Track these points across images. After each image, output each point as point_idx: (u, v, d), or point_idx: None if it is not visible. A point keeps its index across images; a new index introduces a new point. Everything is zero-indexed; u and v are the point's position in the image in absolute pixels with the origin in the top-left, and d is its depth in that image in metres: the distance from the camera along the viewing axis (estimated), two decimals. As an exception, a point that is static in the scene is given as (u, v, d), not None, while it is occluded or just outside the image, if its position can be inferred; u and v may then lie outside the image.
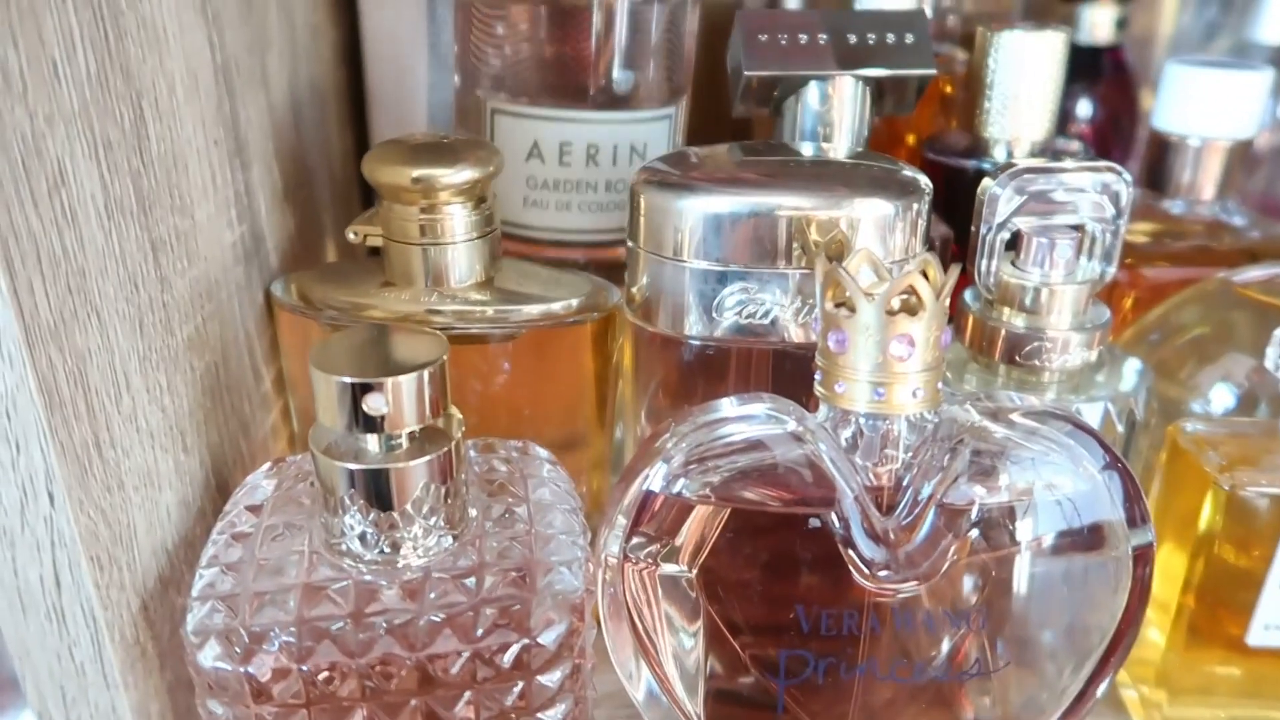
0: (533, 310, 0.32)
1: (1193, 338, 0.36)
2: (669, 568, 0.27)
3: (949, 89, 0.45)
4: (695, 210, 0.29)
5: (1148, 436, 0.34)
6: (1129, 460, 0.33)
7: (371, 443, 0.24)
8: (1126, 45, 0.54)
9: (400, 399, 0.23)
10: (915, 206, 0.29)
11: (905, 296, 0.24)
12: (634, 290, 0.31)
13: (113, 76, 0.23)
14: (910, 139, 0.46)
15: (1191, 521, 0.30)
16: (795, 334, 0.30)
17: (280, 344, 0.34)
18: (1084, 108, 0.54)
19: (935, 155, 0.40)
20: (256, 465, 0.32)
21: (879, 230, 0.29)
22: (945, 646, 0.26)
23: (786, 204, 0.28)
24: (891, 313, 0.24)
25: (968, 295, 0.34)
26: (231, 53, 0.30)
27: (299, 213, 0.36)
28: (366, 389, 0.23)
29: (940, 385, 0.25)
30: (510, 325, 0.32)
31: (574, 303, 0.32)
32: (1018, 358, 0.32)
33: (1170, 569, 0.32)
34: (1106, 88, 0.53)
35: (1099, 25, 0.52)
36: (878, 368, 0.24)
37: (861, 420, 0.25)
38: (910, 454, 0.25)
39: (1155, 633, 0.33)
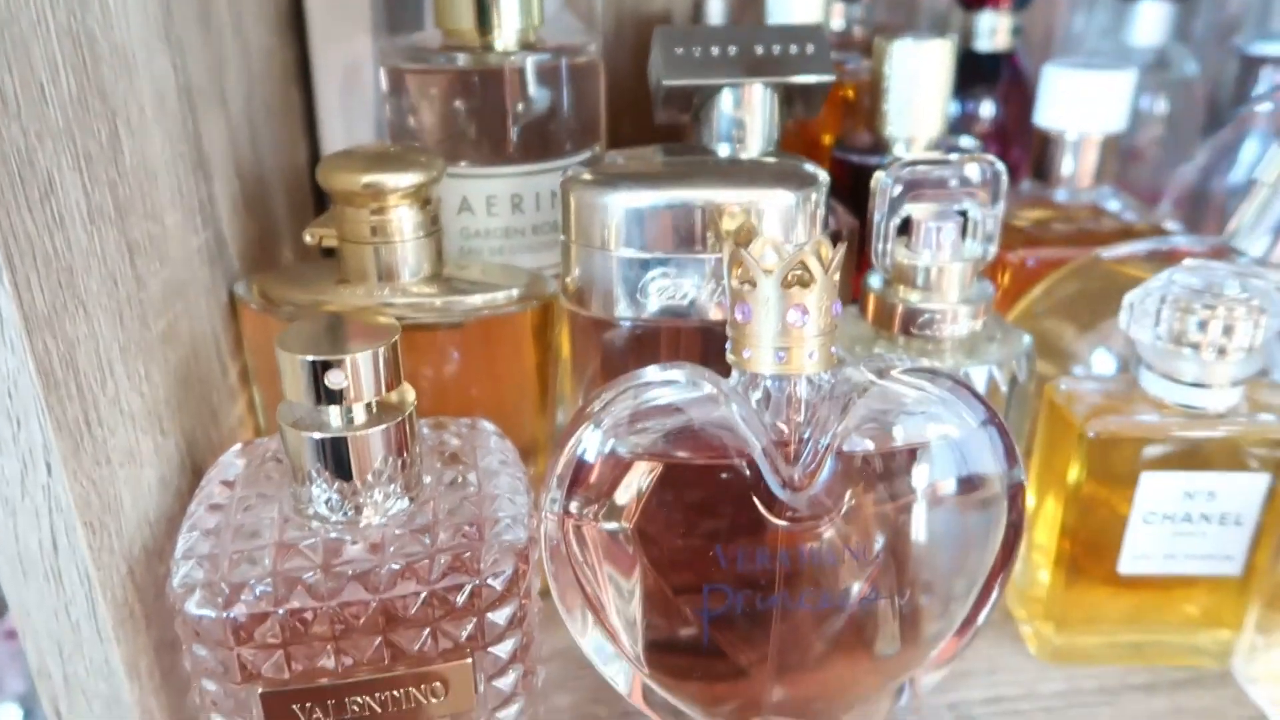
0: (476, 300, 0.35)
1: (1071, 308, 0.41)
2: (608, 524, 0.30)
3: (851, 94, 0.49)
4: (619, 204, 0.32)
5: (1034, 398, 0.38)
6: (1016, 415, 0.37)
7: (334, 415, 0.27)
8: (1024, 49, 0.59)
9: (358, 374, 0.26)
10: (813, 196, 0.33)
11: (799, 271, 0.28)
12: (568, 280, 0.35)
13: (91, 98, 0.26)
14: (827, 139, 0.50)
15: (1063, 458, 0.34)
16: (712, 313, 0.33)
17: (244, 340, 0.37)
18: (986, 108, 0.59)
19: (843, 154, 0.44)
20: (224, 450, 0.35)
21: (782, 218, 0.32)
22: (850, 580, 0.30)
23: (699, 197, 0.32)
24: (788, 285, 0.28)
25: (871, 277, 0.38)
26: (193, 75, 0.33)
27: (258, 220, 0.39)
28: (328, 366, 0.26)
29: (834, 350, 0.29)
30: (456, 314, 0.35)
31: (514, 292, 0.36)
32: (913, 329, 0.36)
33: (1052, 517, 0.36)
34: (1005, 89, 0.58)
35: (995, 32, 0.56)
36: (778, 334, 0.28)
37: (768, 382, 0.29)
38: (810, 410, 0.29)
39: (1044, 574, 0.37)
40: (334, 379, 0.26)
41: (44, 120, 0.24)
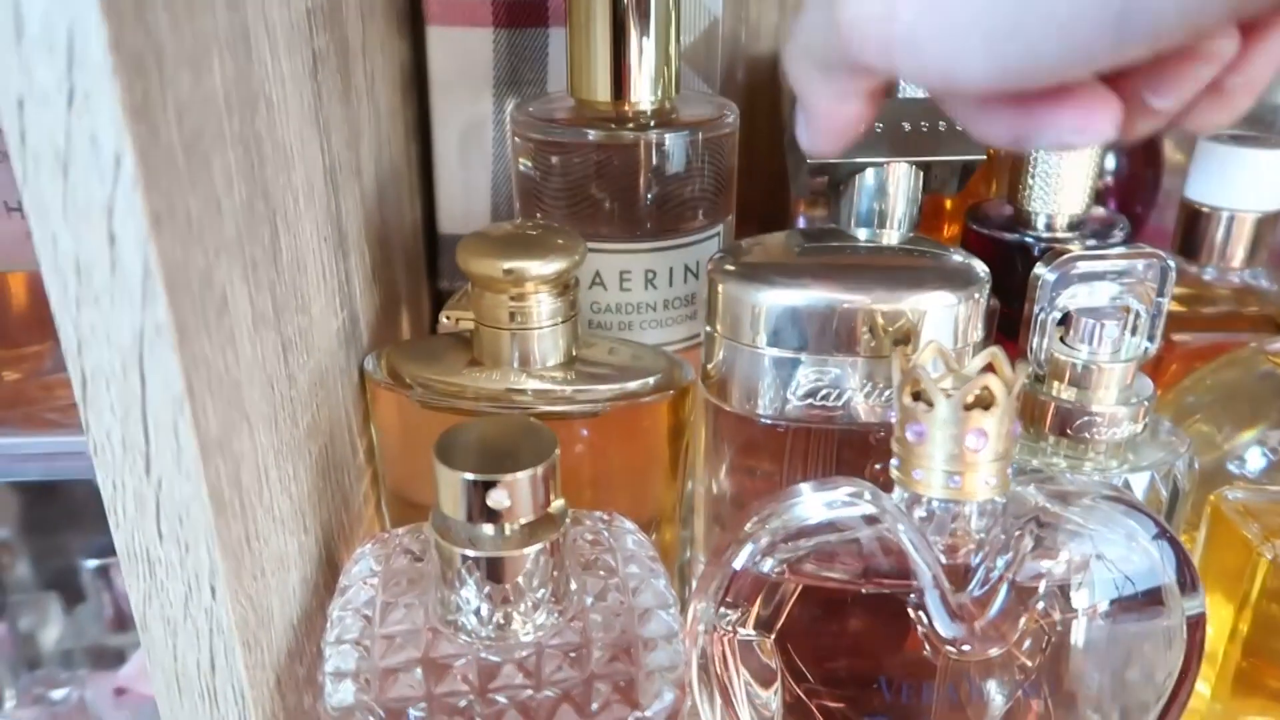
0: (610, 389, 0.34)
1: (1227, 402, 0.38)
2: (747, 633, 0.29)
3: (992, 152, 0.47)
4: (772, 302, 0.31)
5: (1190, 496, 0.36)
6: (1178, 523, 0.35)
7: (488, 529, 0.26)
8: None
9: (518, 494, 0.25)
10: (975, 295, 0.32)
11: (979, 393, 0.26)
12: (710, 368, 0.34)
13: (257, 201, 0.25)
14: (948, 204, 0.49)
15: (1235, 576, 0.32)
16: (864, 414, 0.32)
17: (373, 416, 0.36)
18: (1109, 161, 0.56)
19: (979, 227, 0.43)
20: (355, 534, 0.34)
21: (943, 318, 0.31)
22: (1018, 715, 0.28)
23: (857, 298, 0.30)
24: (967, 408, 0.26)
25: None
26: (336, 153, 0.33)
27: (383, 290, 0.39)
28: (489, 485, 0.25)
29: (1009, 470, 0.27)
30: (590, 404, 0.34)
31: (650, 381, 0.35)
32: (1069, 431, 0.34)
33: (1215, 619, 0.34)
34: (1131, 145, 0.55)
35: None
36: (953, 458, 0.26)
37: (935, 503, 0.27)
38: (981, 534, 0.27)
39: (1200, 683, 0.34)
40: (496, 499, 0.25)
41: (220, 235, 0.23)
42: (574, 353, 0.35)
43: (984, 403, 0.26)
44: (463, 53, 0.43)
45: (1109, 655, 0.29)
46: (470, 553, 0.26)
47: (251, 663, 0.25)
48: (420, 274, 0.46)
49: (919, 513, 0.28)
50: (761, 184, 0.52)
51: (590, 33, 0.36)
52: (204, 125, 0.22)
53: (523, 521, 0.26)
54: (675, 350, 0.39)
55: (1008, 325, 0.42)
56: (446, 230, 0.46)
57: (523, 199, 0.39)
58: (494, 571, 0.26)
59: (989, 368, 0.27)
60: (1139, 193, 0.57)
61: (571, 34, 0.37)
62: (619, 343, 0.38)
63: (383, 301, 0.39)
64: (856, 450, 0.34)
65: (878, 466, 0.33)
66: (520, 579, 0.26)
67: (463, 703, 0.25)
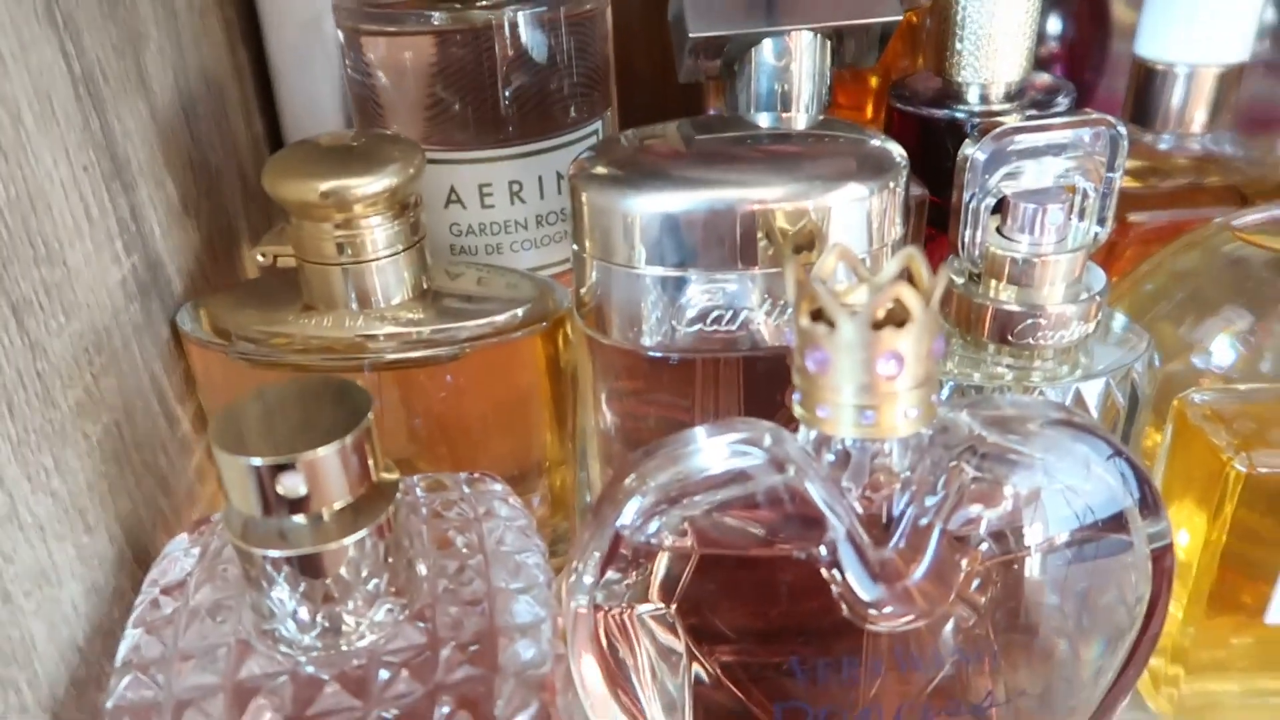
0: (475, 325, 0.29)
1: (1190, 288, 0.34)
2: (646, 608, 0.24)
3: (914, 19, 0.41)
4: (647, 210, 0.25)
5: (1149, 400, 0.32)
6: (1138, 435, 0.31)
7: (294, 521, 0.21)
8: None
9: (319, 475, 0.20)
10: (891, 184, 0.26)
11: (889, 306, 0.21)
12: (583, 293, 0.28)
13: (-70, 121, 0.19)
14: (874, 81, 0.43)
15: (1205, 488, 0.28)
16: (768, 337, 0.27)
17: (196, 378, 0.30)
18: (1053, 24, 0.51)
19: (903, 104, 0.37)
20: (183, 520, 0.29)
21: (853, 215, 0.26)
22: (962, 683, 0.24)
23: (749, 196, 0.25)
24: (877, 325, 0.21)
25: (952, 268, 0.31)
26: (94, 58, 0.26)
27: (204, 226, 0.32)
28: (280, 469, 0.20)
29: (935, 399, 0.22)
30: (450, 345, 0.29)
31: (519, 312, 0.29)
32: (1010, 336, 0.29)
33: (1189, 527, 0.30)
34: (1077, 2, 0.49)
35: (1068, -64, 0.48)
36: (863, 389, 0.21)
37: (848, 441, 0.23)
38: (906, 472, 0.23)
39: (1170, 605, 0.31)
40: (289, 485, 0.20)
41: None
42: (425, 285, 0.29)
43: (896, 318, 0.21)
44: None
45: (1072, 580, 0.25)
46: (274, 553, 0.21)
47: (3, 709, 0.20)
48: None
49: (830, 454, 0.23)
50: (675, 102, 0.46)
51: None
52: None
53: (337, 505, 0.21)
54: (558, 275, 0.33)
55: (939, 217, 0.36)
56: (297, 150, 0.40)
57: (359, 107, 0.32)
58: (309, 569, 0.21)
59: (905, 275, 0.21)
60: (1087, 58, 0.52)
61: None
62: (490, 270, 0.32)
63: (206, 241, 0.33)
64: (769, 384, 0.29)
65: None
66: (345, 572, 0.21)
67: (272, 737, 0.20)
